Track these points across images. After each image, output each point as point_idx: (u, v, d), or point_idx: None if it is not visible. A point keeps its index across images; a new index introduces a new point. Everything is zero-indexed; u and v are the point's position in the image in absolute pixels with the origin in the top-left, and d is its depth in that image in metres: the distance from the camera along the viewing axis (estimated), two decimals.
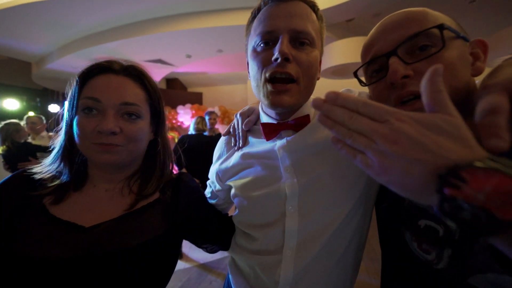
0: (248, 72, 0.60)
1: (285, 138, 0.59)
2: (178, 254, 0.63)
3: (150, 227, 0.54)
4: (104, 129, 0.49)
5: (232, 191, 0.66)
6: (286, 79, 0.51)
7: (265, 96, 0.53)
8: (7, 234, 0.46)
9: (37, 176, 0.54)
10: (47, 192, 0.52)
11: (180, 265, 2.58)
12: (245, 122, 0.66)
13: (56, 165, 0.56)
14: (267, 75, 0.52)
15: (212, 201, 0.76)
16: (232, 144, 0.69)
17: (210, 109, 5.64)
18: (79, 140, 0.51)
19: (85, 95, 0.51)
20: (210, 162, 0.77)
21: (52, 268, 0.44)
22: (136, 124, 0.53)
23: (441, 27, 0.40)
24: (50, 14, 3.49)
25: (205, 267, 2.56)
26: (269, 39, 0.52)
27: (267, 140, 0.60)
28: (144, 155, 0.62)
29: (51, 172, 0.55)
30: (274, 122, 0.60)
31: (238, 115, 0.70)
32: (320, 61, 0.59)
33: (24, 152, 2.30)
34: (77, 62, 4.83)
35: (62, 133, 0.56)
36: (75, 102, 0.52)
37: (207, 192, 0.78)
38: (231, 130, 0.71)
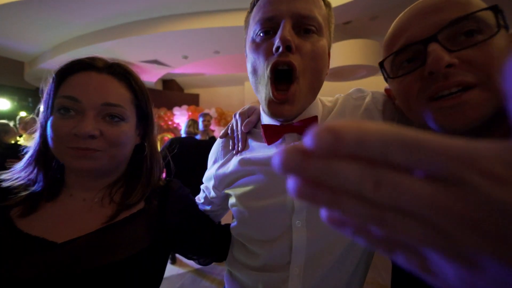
0: (248, 70, 0.54)
1: (292, 144, 0.51)
2: (164, 268, 0.58)
3: (133, 240, 0.50)
4: (81, 132, 0.44)
5: (231, 200, 0.60)
6: (288, 74, 0.45)
7: (265, 101, 0.48)
8: None
9: (5, 184, 0.49)
10: (15, 202, 0.47)
11: (173, 270, 2.51)
12: (244, 123, 0.59)
13: (28, 171, 0.51)
14: (267, 71, 0.46)
15: (205, 207, 0.70)
16: (230, 148, 0.62)
17: (205, 111, 5.61)
18: (53, 144, 0.46)
19: (62, 93, 0.47)
20: (202, 167, 0.70)
21: None
22: (119, 127, 0.49)
23: (495, 9, 0.35)
24: (44, 13, 3.43)
25: (199, 272, 2.50)
26: (269, 27, 0.46)
27: (269, 144, 0.54)
28: (128, 161, 0.57)
29: (22, 180, 0.50)
30: (277, 124, 0.53)
31: (237, 115, 0.63)
32: (329, 54, 0.53)
33: (12, 154, 2.23)
34: None
35: (36, 136, 0.51)
36: (50, 101, 0.48)
37: (200, 197, 0.72)
38: (228, 131, 0.64)
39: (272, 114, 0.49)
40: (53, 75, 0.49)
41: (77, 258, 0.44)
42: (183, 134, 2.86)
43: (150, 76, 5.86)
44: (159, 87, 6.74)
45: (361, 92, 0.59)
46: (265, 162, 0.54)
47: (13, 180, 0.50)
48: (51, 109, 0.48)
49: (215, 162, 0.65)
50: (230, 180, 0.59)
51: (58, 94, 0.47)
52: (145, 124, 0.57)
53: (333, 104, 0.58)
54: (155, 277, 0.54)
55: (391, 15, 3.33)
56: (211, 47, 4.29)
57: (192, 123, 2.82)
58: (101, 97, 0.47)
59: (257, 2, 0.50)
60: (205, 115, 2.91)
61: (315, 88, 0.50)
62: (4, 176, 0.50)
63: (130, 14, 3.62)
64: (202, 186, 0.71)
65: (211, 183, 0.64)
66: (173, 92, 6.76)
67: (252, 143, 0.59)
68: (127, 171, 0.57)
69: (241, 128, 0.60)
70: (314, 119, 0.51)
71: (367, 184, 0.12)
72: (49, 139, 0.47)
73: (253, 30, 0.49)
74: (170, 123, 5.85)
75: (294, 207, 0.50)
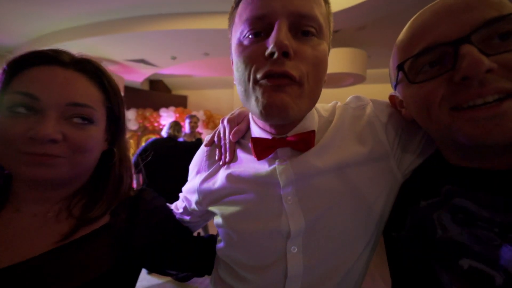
0: (234, 77, 0.46)
1: (287, 162, 0.46)
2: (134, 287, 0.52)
3: (93, 262, 0.43)
4: (39, 135, 0.37)
5: (216, 219, 0.54)
6: (285, 80, 0.38)
7: (257, 100, 0.40)
8: None
9: None
10: None
11: (152, 280, 2.38)
12: (233, 131, 0.53)
13: None
14: (258, 76, 0.38)
15: (184, 217, 0.63)
16: (216, 158, 0.55)
17: (193, 113, 5.51)
18: None
19: (15, 89, 0.40)
20: (184, 169, 0.64)
21: None
22: (86, 131, 0.43)
23: None
24: (20, 4, 3.25)
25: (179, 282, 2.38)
26: (260, 28, 0.39)
27: (258, 160, 0.48)
28: (93, 169, 0.50)
29: None
30: (269, 137, 0.47)
31: (225, 122, 0.56)
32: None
33: None
34: None
35: None
36: None
37: (179, 207, 0.64)
38: (215, 139, 0.57)
39: (267, 104, 0.39)
40: (4, 66, 0.42)
41: (22, 286, 0.38)
42: (164, 135, 2.75)
43: (136, 76, 5.71)
44: (146, 87, 6.59)
45: (360, 101, 0.53)
46: (257, 181, 0.48)
47: None
48: None
49: (198, 173, 0.58)
50: (216, 197, 0.53)
51: (9, 89, 0.40)
52: (115, 128, 0.51)
53: (329, 114, 0.52)
54: None
55: (378, 26, 3.43)
56: (200, 49, 4.24)
57: (174, 124, 2.73)
58: (66, 96, 0.41)
59: (239, 2, 0.42)
60: (192, 117, 2.87)
61: (314, 98, 0.43)
62: None
63: (116, 11, 3.51)
64: (181, 195, 0.64)
65: (194, 197, 0.57)
66: (160, 93, 6.62)
67: (240, 154, 0.53)
68: (90, 180, 0.50)
69: (229, 137, 0.53)
70: (311, 134, 0.45)
71: None
72: None
73: (240, 30, 0.41)
74: (156, 124, 5.70)
75: (290, 231, 0.45)
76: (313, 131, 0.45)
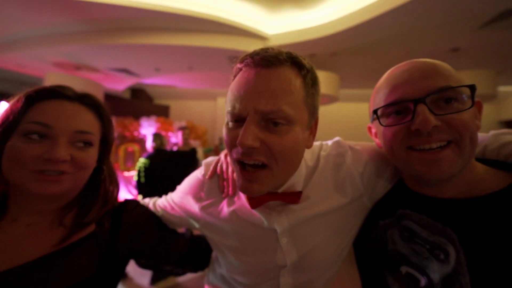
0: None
1: (282, 214, 0.54)
2: None
3: (79, 267, 0.49)
4: (55, 156, 0.45)
5: (214, 243, 0.64)
6: (256, 165, 0.46)
7: (238, 177, 0.48)
8: None
9: None
10: None
11: None
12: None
13: None
14: (234, 156, 0.47)
15: (172, 217, 0.68)
16: (220, 190, 0.60)
17: (181, 125, 5.53)
18: (11, 167, 0.46)
19: (31, 119, 0.47)
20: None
21: None
22: (87, 152, 0.51)
23: (472, 88, 0.43)
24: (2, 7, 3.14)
25: None
26: (239, 119, 0.45)
27: (252, 208, 0.53)
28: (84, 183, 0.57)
29: None
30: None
31: (228, 158, 0.61)
32: (317, 122, 0.53)
33: None
34: (26, 62, 4.37)
35: None
36: (13, 125, 0.47)
37: (165, 205, 0.68)
38: (218, 172, 0.62)
39: (242, 191, 0.49)
40: (23, 99, 0.48)
41: None
42: (150, 149, 2.83)
43: (118, 84, 5.60)
44: (127, 95, 6.45)
45: (340, 148, 0.60)
46: (255, 223, 0.56)
47: None
48: (11, 133, 0.47)
49: (197, 200, 0.62)
50: (218, 228, 0.60)
51: (25, 119, 0.47)
52: (104, 149, 0.58)
53: (315, 161, 0.59)
54: None
55: (349, 53, 3.83)
56: (184, 63, 4.32)
57: (157, 137, 2.83)
58: (74, 126, 0.49)
59: (237, 75, 0.49)
60: (183, 129, 2.99)
61: (291, 171, 0.50)
62: None
63: (101, 20, 3.49)
64: (171, 203, 0.68)
65: (192, 220, 0.64)
66: (141, 101, 6.50)
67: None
68: (81, 193, 0.56)
69: (232, 175, 0.59)
70: (298, 193, 0.53)
71: None
72: (6, 163, 0.46)
73: (227, 111, 0.48)
74: (135, 133, 5.59)
75: (285, 264, 0.56)
76: (300, 192, 0.53)
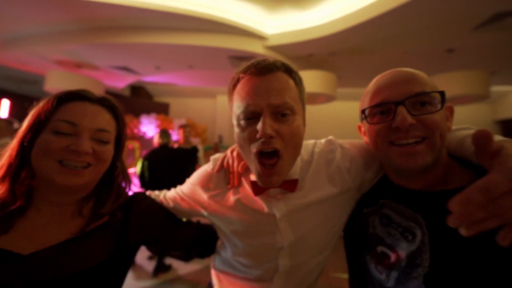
0: (235, 140, 0.61)
1: (281, 201, 0.62)
2: (123, 279, 0.65)
3: (94, 252, 0.56)
4: (80, 148, 0.52)
5: (220, 229, 0.72)
6: (273, 152, 0.54)
7: (256, 173, 0.56)
8: None
9: None
10: None
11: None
12: (242, 164, 0.67)
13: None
14: (254, 150, 0.54)
15: (182, 207, 0.76)
16: (226, 181, 0.70)
17: (183, 122, 5.56)
18: (40, 159, 0.52)
19: (60, 118, 0.54)
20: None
21: None
22: (105, 147, 0.59)
23: (442, 93, 0.52)
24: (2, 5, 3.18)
25: None
26: (252, 116, 0.54)
27: (255, 195, 0.62)
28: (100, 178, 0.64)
29: None
30: None
31: (234, 153, 0.70)
32: (304, 119, 0.62)
33: None
34: (28, 59, 4.40)
35: (11, 153, 0.55)
36: (43, 123, 0.54)
37: (175, 196, 0.76)
38: (224, 166, 0.71)
39: (263, 185, 0.57)
40: (53, 101, 0.55)
41: (41, 268, 0.49)
42: (155, 145, 2.91)
43: (118, 82, 5.64)
44: (127, 93, 6.49)
45: (331, 145, 0.69)
46: (257, 209, 0.65)
47: None
48: (42, 129, 0.53)
49: (206, 190, 0.71)
50: (225, 214, 0.68)
51: (55, 117, 0.54)
52: (118, 147, 0.65)
53: (309, 156, 0.68)
54: (115, 285, 0.60)
55: (346, 53, 3.90)
56: (185, 61, 4.36)
57: (164, 134, 2.89)
58: (95, 124, 0.57)
59: (237, 83, 0.57)
60: (185, 127, 3.04)
61: (296, 157, 0.59)
62: None
63: (102, 20, 3.53)
64: (180, 194, 0.76)
65: (201, 208, 0.72)
66: (141, 99, 6.54)
67: (243, 180, 0.68)
68: (97, 187, 0.63)
69: (237, 168, 0.68)
70: (295, 181, 0.62)
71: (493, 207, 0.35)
72: (35, 155, 0.52)
73: (238, 114, 0.56)
74: (136, 131, 5.64)
75: (283, 245, 0.63)
76: (296, 180, 0.62)
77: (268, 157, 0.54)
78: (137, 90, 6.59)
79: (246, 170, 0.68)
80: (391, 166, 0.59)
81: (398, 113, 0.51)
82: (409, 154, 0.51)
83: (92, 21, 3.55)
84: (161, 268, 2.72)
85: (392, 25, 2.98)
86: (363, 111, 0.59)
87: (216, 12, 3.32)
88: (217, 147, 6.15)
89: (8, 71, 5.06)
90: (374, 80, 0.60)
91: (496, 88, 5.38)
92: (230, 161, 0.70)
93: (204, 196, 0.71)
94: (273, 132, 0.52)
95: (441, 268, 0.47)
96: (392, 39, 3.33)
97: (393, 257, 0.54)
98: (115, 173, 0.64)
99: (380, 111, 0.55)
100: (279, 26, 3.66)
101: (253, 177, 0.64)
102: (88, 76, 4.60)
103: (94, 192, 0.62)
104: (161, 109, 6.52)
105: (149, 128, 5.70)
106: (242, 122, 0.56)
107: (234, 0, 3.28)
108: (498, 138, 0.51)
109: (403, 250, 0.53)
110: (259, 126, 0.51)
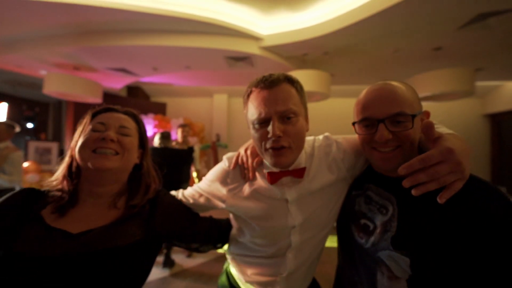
0: (252, 137, 0.75)
1: (292, 187, 0.76)
2: (153, 261, 0.76)
3: (130, 233, 0.68)
4: (106, 135, 0.68)
5: (239, 217, 0.84)
6: (281, 148, 0.68)
7: (270, 158, 0.70)
8: (8, 236, 0.58)
9: (43, 189, 0.72)
10: (46, 206, 0.67)
11: None
12: (256, 160, 0.80)
13: (58, 181, 0.71)
14: (267, 146, 0.69)
15: (200, 202, 0.88)
16: (241, 176, 0.81)
17: (181, 122, 5.60)
18: (80, 150, 0.68)
19: (96, 121, 0.73)
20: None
21: (43, 265, 0.56)
22: (128, 138, 0.74)
23: (413, 116, 0.63)
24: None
25: None
26: (264, 121, 0.68)
27: (271, 184, 0.75)
28: (130, 175, 0.78)
29: (55, 188, 0.71)
30: (277, 171, 0.75)
31: (248, 152, 0.82)
32: (307, 118, 0.77)
33: None
34: (25, 62, 4.41)
35: (67, 155, 0.74)
36: (85, 128, 0.72)
37: (193, 193, 0.88)
38: (239, 163, 0.83)
39: (274, 163, 0.70)
40: (90, 114, 0.75)
41: (88, 243, 0.62)
42: (156, 145, 2.99)
43: (116, 83, 5.66)
44: (124, 93, 6.52)
45: (328, 140, 0.84)
46: (271, 196, 0.77)
47: (50, 187, 0.72)
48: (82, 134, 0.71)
49: (224, 184, 0.82)
50: (243, 204, 0.80)
51: (92, 122, 0.73)
52: (143, 150, 0.82)
53: (311, 150, 0.82)
54: (145, 265, 0.71)
55: (339, 52, 4.02)
56: (182, 62, 4.42)
57: (163, 136, 2.98)
58: (118, 123, 0.74)
59: (251, 93, 0.72)
60: (184, 126, 3.12)
61: (300, 147, 0.73)
62: (45, 183, 0.73)
63: (98, 23, 3.56)
64: (198, 191, 0.88)
65: (219, 201, 0.83)
66: (138, 99, 6.56)
67: (257, 174, 0.81)
68: (128, 183, 0.78)
69: (252, 163, 0.80)
70: (303, 169, 0.75)
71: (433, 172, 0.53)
72: (77, 148, 0.69)
73: (252, 120, 0.70)
74: None
75: (295, 225, 0.76)
76: (304, 168, 0.75)
77: (278, 151, 0.69)
78: (134, 90, 6.61)
79: (260, 165, 0.81)
80: (373, 163, 0.75)
81: (379, 129, 0.64)
82: (386, 159, 0.66)
83: (90, 25, 3.57)
84: (167, 263, 2.84)
85: (383, 25, 3.10)
86: (353, 124, 0.74)
87: (213, 15, 3.39)
88: (215, 146, 6.24)
89: (5, 74, 5.06)
90: (364, 92, 0.71)
91: (484, 83, 5.58)
92: (245, 159, 0.82)
93: (223, 191, 0.83)
94: (281, 133, 0.66)
95: (404, 232, 0.63)
96: (383, 38, 3.45)
97: (371, 226, 0.70)
98: (142, 172, 0.80)
99: (365, 125, 0.69)
100: (274, 27, 3.75)
101: (267, 166, 0.78)
102: (86, 78, 4.63)
103: (125, 188, 0.77)
104: (159, 109, 6.56)
105: (147, 128, 5.73)
106: (256, 126, 0.70)
107: (229, 3, 3.36)
108: (445, 131, 0.67)
109: (379, 221, 0.69)
110: (270, 128, 0.66)
